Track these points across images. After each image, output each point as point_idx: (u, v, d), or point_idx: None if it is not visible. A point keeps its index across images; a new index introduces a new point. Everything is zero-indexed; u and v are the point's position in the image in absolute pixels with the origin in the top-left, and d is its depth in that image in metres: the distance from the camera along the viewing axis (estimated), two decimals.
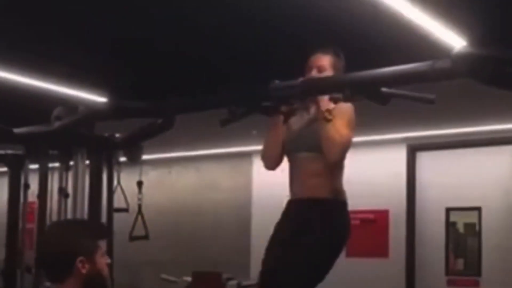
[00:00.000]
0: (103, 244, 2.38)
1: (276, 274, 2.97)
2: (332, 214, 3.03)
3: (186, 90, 3.61)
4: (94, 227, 2.62)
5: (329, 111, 2.97)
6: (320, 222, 2.98)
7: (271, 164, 3.24)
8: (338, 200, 3.07)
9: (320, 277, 2.97)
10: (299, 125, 3.17)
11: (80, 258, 2.25)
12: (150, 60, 4.35)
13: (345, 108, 3.04)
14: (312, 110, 3.14)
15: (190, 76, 4.59)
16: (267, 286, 3.03)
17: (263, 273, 3.09)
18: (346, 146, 2.97)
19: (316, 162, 3.02)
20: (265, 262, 3.09)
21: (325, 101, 3.03)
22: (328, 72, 3.13)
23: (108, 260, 2.36)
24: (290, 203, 3.15)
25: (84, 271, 2.26)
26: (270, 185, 3.33)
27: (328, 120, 2.96)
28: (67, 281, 2.25)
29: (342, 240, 3.07)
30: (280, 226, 3.12)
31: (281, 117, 3.16)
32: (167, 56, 4.26)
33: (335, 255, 3.02)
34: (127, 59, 4.33)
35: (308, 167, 3.05)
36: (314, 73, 3.13)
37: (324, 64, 3.13)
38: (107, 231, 2.52)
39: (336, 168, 3.04)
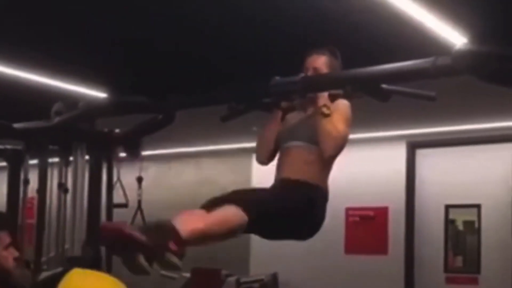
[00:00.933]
0: (5, 236, 2.17)
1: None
2: (315, 199, 3.00)
3: (186, 88, 3.61)
4: None
5: (327, 106, 2.98)
6: (303, 198, 2.93)
7: (263, 158, 3.24)
8: (322, 190, 3.05)
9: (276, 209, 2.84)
10: (295, 120, 3.17)
11: None
12: (151, 57, 4.35)
13: (343, 105, 3.05)
14: (310, 106, 3.14)
15: (190, 74, 4.59)
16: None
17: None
18: (342, 143, 2.98)
19: (306, 152, 3.02)
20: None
21: (324, 98, 3.04)
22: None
23: (16, 254, 2.16)
24: (276, 181, 3.12)
25: None
26: (270, 182, 3.34)
27: (326, 115, 2.96)
28: None
29: (316, 225, 3.01)
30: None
31: (280, 113, 3.16)
32: (167, 54, 4.26)
33: (305, 223, 2.94)
34: (127, 55, 4.33)
35: (297, 155, 3.04)
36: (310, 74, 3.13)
37: (320, 65, 3.13)
38: (7, 222, 2.29)
39: (325, 163, 3.03)
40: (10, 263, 2.11)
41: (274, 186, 3.07)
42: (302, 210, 2.88)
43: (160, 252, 2.33)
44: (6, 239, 2.18)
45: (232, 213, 2.61)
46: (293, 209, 2.84)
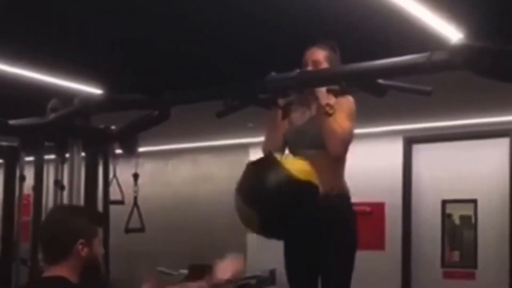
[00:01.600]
0: (100, 232, 2.40)
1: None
2: (339, 210, 3.05)
3: (184, 86, 3.60)
4: (95, 213, 2.67)
5: (330, 105, 2.97)
6: (330, 223, 3.00)
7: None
8: (343, 195, 3.08)
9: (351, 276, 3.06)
10: (302, 122, 3.16)
11: (81, 240, 2.26)
12: (147, 54, 4.34)
13: (346, 102, 3.04)
14: (313, 105, 3.13)
15: (188, 72, 4.58)
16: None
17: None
18: (348, 139, 2.98)
19: (320, 159, 3.02)
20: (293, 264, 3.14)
21: (323, 94, 3.03)
22: (324, 66, 3.12)
23: (103, 251, 2.41)
24: None
25: (83, 254, 2.27)
26: None
27: (330, 115, 2.95)
28: (65, 263, 2.25)
29: (355, 233, 3.10)
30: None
31: (279, 111, 3.15)
32: (164, 51, 4.25)
33: (354, 249, 3.07)
34: (124, 52, 4.32)
35: (312, 164, 3.04)
36: (309, 68, 3.13)
37: (320, 58, 3.13)
38: (104, 219, 2.61)
39: (339, 163, 3.05)
40: (101, 257, 2.41)
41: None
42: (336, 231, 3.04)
43: None
44: (101, 234, 2.44)
45: None
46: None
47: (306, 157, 3.06)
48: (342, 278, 3.04)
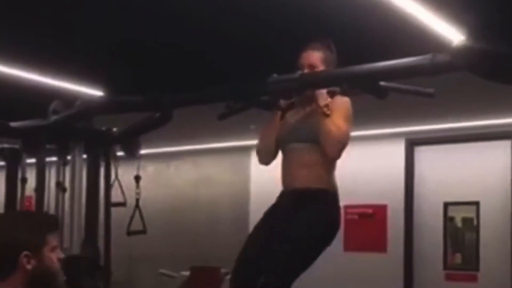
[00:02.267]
0: (53, 237, 2.18)
1: (258, 261, 2.94)
2: (323, 205, 3.01)
3: (184, 86, 3.60)
4: (42, 219, 2.34)
5: (327, 106, 2.96)
6: (309, 213, 2.96)
7: (265, 158, 3.22)
8: (329, 191, 3.05)
9: (305, 267, 2.95)
10: (295, 119, 3.15)
11: (25, 253, 2.07)
12: (148, 55, 4.33)
13: (342, 102, 3.02)
14: (310, 105, 3.12)
15: (188, 72, 4.58)
16: (246, 273, 3.00)
17: (242, 260, 3.05)
18: (345, 140, 2.97)
19: (310, 152, 3.01)
20: (246, 248, 3.07)
21: (322, 95, 3.02)
22: (320, 69, 3.10)
23: (61, 255, 2.18)
24: (282, 194, 3.14)
25: (29, 267, 2.07)
26: (268, 180, 3.33)
27: (327, 115, 2.94)
28: (10, 278, 2.07)
29: (332, 231, 3.04)
30: (269, 215, 3.11)
31: (279, 112, 3.15)
32: (164, 52, 4.25)
33: (323, 246, 3.00)
34: (124, 53, 4.32)
35: (301, 157, 3.04)
36: (306, 72, 3.11)
37: (315, 62, 3.09)
38: (56, 223, 2.34)
39: (329, 160, 3.03)
40: (56, 265, 2.15)
41: (276, 207, 3.10)
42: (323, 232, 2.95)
43: None
44: (54, 241, 2.17)
45: None
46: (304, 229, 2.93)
47: (295, 150, 3.05)
48: (286, 264, 2.94)
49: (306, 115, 3.12)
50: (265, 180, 6.90)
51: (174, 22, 3.72)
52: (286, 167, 3.12)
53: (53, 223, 2.26)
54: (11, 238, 2.08)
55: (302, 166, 3.02)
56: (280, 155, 3.22)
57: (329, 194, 3.03)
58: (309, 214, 2.95)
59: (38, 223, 2.18)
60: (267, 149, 3.18)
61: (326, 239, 3.00)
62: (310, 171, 2.99)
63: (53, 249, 2.13)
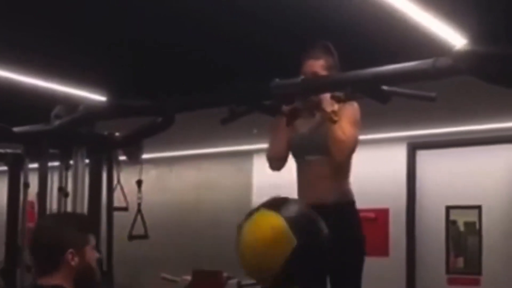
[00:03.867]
0: (93, 238, 2.37)
1: None
2: (344, 216, 3.04)
3: (186, 90, 3.60)
4: (84, 220, 2.60)
5: (334, 112, 2.97)
6: (333, 228, 2.97)
7: (277, 165, 3.24)
8: (347, 202, 3.07)
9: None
10: (306, 128, 3.16)
11: (70, 250, 2.26)
12: (151, 60, 4.34)
13: (350, 109, 3.04)
14: (318, 112, 3.13)
15: (190, 76, 4.58)
16: None
17: None
18: (352, 146, 2.98)
19: (325, 164, 3.02)
20: None
21: (327, 100, 3.02)
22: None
23: (98, 254, 2.37)
24: None
25: (73, 263, 2.26)
26: (271, 184, 3.34)
27: (334, 122, 2.95)
28: (56, 274, 2.26)
29: (361, 237, 3.08)
30: None
31: (284, 118, 3.15)
32: (167, 56, 4.25)
33: (363, 253, 3.04)
34: (127, 57, 4.33)
35: (317, 170, 3.05)
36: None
37: (318, 70, 3.11)
38: (95, 225, 2.58)
39: (343, 169, 3.05)
40: (95, 262, 2.36)
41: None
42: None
43: None
44: (93, 241, 2.38)
45: None
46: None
47: (311, 163, 3.06)
48: (353, 284, 3.02)
49: (317, 124, 3.12)
50: (267, 184, 6.92)
51: (175, 23, 3.73)
52: (302, 179, 3.13)
53: (93, 224, 2.58)
54: (58, 237, 2.28)
55: (319, 179, 3.03)
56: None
57: (346, 205, 3.06)
58: (345, 234, 2.96)
59: (81, 224, 2.41)
60: (278, 156, 3.19)
61: (364, 251, 3.06)
62: (328, 184, 2.99)
63: (92, 248, 2.33)
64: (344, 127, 2.95)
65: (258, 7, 3.43)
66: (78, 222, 2.44)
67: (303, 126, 3.18)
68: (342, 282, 2.98)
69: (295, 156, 3.17)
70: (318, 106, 3.06)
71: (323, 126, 3.05)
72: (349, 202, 3.08)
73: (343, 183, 3.06)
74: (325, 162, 3.01)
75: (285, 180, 3.33)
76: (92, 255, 2.33)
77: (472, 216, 6.31)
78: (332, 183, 3.01)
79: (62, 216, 2.87)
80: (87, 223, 2.48)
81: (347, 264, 2.98)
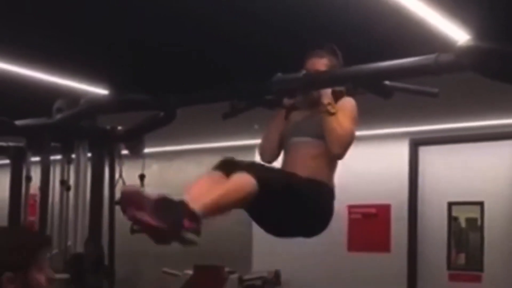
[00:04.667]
0: (42, 257, 2.05)
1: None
2: (323, 193, 3.00)
3: (188, 84, 3.60)
4: (30, 238, 2.17)
5: (332, 104, 2.96)
6: (312, 190, 2.93)
7: (268, 156, 3.23)
8: (329, 186, 3.05)
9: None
10: (299, 117, 3.16)
11: (7, 274, 1.95)
12: (153, 54, 4.34)
13: (348, 103, 3.03)
14: (313, 104, 3.12)
15: (192, 70, 4.58)
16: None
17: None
18: (349, 140, 2.97)
19: (313, 146, 3.01)
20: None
21: (327, 94, 3.02)
22: None
23: (52, 275, 2.05)
24: None
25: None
26: None
27: (331, 114, 2.95)
28: None
29: (324, 221, 3.01)
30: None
31: (283, 111, 3.15)
32: (168, 50, 4.25)
33: (312, 216, 2.94)
34: (129, 52, 4.32)
35: (303, 151, 3.04)
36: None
37: (320, 67, 3.11)
38: (47, 242, 2.20)
39: (331, 158, 3.03)
40: (43, 286, 2.02)
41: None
42: (310, 201, 2.88)
43: (176, 232, 2.37)
44: (42, 261, 2.05)
45: (243, 181, 2.63)
46: (301, 194, 2.83)
47: (298, 144, 3.05)
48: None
49: (312, 113, 3.12)
50: None
51: (178, 21, 3.72)
52: (286, 160, 3.13)
53: (42, 242, 2.11)
54: None
55: (302, 159, 3.02)
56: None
57: (329, 189, 3.03)
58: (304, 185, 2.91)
59: (25, 242, 2.04)
60: (270, 147, 3.19)
61: (311, 206, 2.94)
62: (310, 164, 2.98)
63: (41, 269, 2.01)
64: (341, 120, 2.95)
65: (258, 7, 3.43)
66: (21, 240, 2.05)
67: (298, 116, 3.17)
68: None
69: (284, 141, 3.16)
70: (317, 99, 3.05)
71: (316, 115, 3.05)
72: (330, 187, 3.04)
73: (328, 170, 3.04)
74: (313, 145, 3.00)
75: None
76: (39, 277, 1.99)
77: (474, 212, 6.31)
78: (319, 164, 2.99)
79: (2, 233, 2.32)
80: (33, 241, 2.07)
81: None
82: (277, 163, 3.25)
